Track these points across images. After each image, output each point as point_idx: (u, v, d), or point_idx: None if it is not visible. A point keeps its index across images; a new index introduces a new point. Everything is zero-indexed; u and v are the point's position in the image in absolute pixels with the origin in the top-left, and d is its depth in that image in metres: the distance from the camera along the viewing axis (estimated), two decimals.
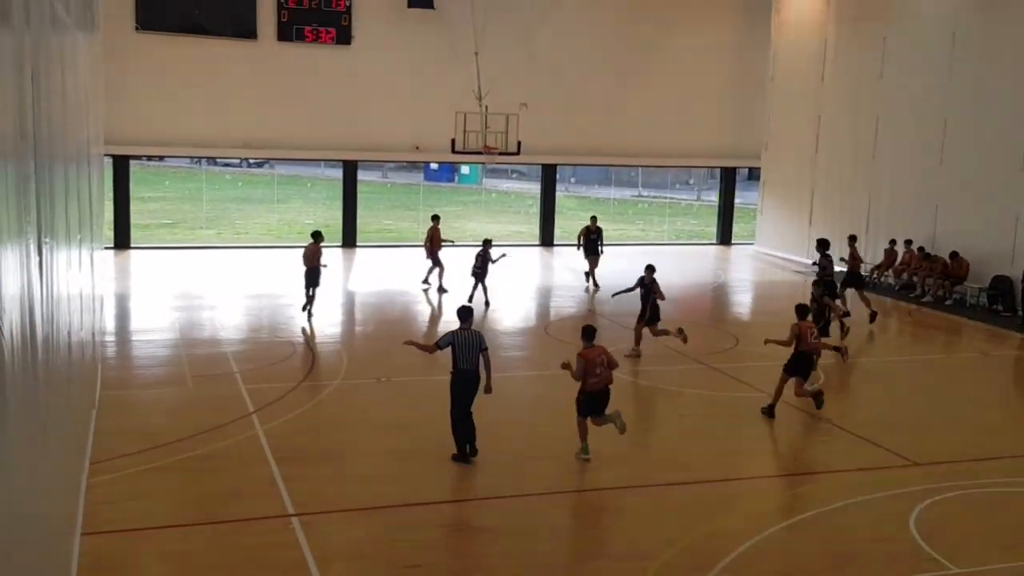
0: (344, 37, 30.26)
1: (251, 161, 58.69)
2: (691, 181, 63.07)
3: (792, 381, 14.33)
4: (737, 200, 37.74)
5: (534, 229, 36.23)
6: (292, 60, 30.00)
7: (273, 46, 29.84)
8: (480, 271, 22.07)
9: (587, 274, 25.10)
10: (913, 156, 26.96)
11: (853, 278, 22.27)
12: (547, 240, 33.93)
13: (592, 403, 12.17)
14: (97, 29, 18.15)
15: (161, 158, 55.18)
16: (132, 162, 30.84)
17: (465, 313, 12.22)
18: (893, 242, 26.60)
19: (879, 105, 28.13)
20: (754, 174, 45.19)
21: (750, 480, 12.12)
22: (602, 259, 25.31)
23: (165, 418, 13.55)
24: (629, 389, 15.79)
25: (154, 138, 29.35)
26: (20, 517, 5.33)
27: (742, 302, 25.92)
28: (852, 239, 23.07)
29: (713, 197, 43.95)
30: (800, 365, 14.28)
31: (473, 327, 12.30)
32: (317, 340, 18.80)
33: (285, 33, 29.84)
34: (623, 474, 11.86)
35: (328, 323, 20.79)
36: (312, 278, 20.56)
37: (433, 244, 23.95)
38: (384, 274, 26.89)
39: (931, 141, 26.20)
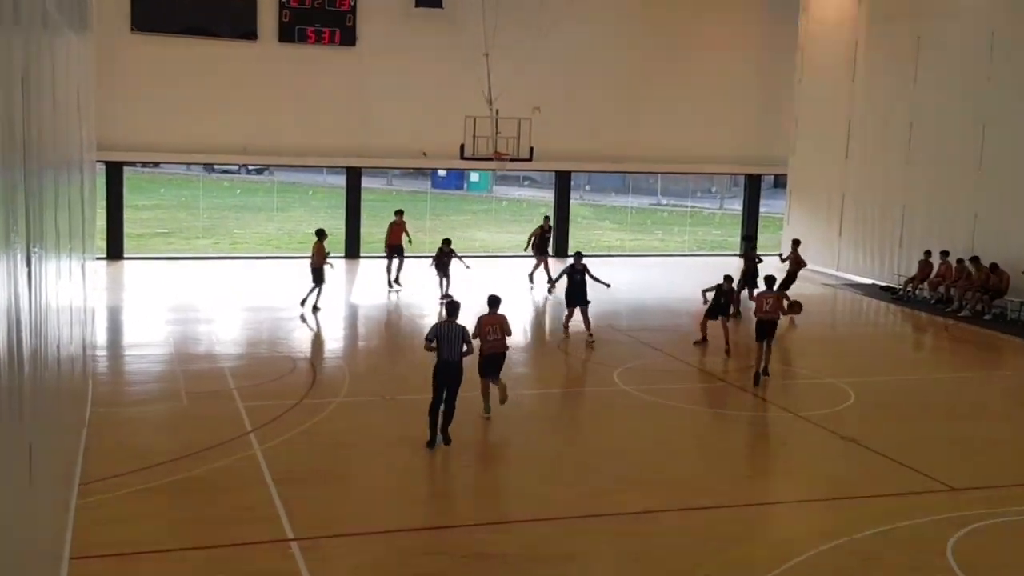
0: (348, 38, 30.38)
1: (250, 168, 58.78)
2: (713, 189, 62.98)
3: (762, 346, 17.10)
4: (762, 209, 37.66)
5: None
6: (294, 62, 30.13)
7: (274, 47, 29.98)
8: (439, 266, 24.37)
9: (531, 275, 26.54)
10: (950, 162, 26.88)
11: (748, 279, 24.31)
12: (560, 251, 33.88)
13: (486, 365, 14.25)
14: (90, 29, 18.30)
15: (156, 164, 55.36)
16: (126, 168, 30.98)
17: (452, 308, 13.53)
18: (928, 253, 26.51)
19: (913, 108, 28.08)
20: (780, 181, 45.03)
21: (776, 505, 12.08)
22: (617, 270, 25.30)
23: (159, 437, 13.58)
24: (648, 409, 15.77)
25: (149, 143, 29.48)
26: (5, 540, 5.34)
27: None
28: (796, 243, 25.79)
29: (737, 206, 43.84)
30: (761, 331, 17.12)
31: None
32: (318, 356, 18.81)
33: (287, 34, 29.98)
34: (642, 498, 11.81)
35: (330, 338, 20.82)
36: (316, 277, 22.12)
37: (392, 237, 26.02)
38: (391, 292, 26.91)
39: (969, 145, 26.12)
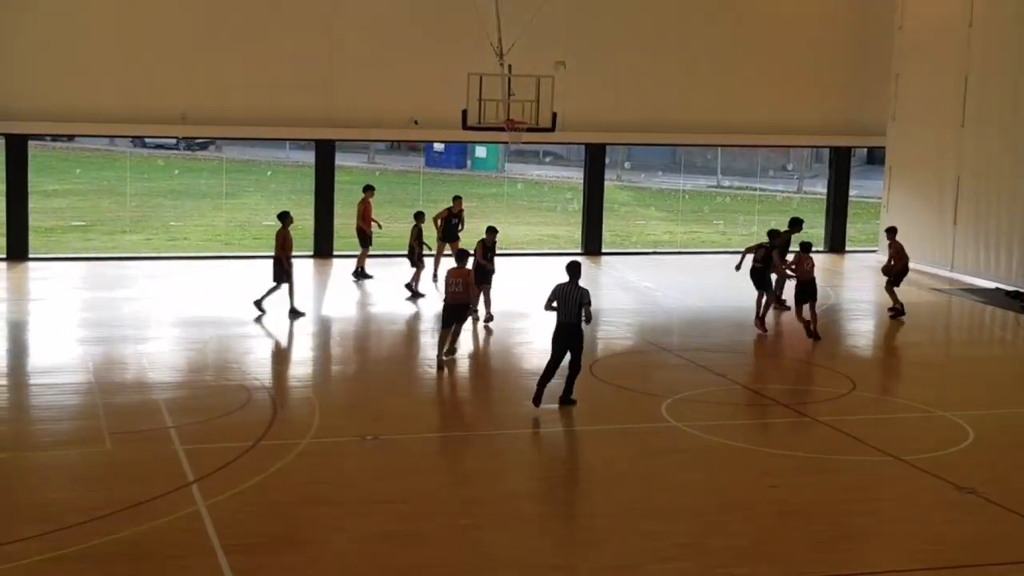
0: None
1: (191, 142, 59.04)
2: (789, 166, 62.90)
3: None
4: (853, 192, 37.55)
5: (575, 232, 36.21)
6: (247, 5, 30.22)
7: None
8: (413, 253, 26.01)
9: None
10: None
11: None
12: (593, 247, 33.91)
13: (447, 313, 19.76)
14: None
15: (70, 138, 55.63)
16: (31, 143, 31.10)
17: (573, 269, 16.99)
18: None
19: None
20: (876, 156, 44.98)
21: None
22: (665, 272, 25.30)
23: (74, 490, 13.61)
24: (705, 451, 15.75)
25: (60, 111, 29.58)
26: None
27: (860, 331, 25.81)
28: (893, 231, 25.96)
29: (820, 188, 43.74)
30: (803, 293, 21.99)
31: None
32: (280, 384, 18.86)
33: None
34: (695, 569, 11.82)
35: (295, 359, 20.87)
36: (278, 272, 23.09)
37: (364, 220, 27.91)
38: (370, 294, 26.97)
39: None
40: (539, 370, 17.41)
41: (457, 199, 28.55)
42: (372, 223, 28.31)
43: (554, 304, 17.02)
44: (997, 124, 29.73)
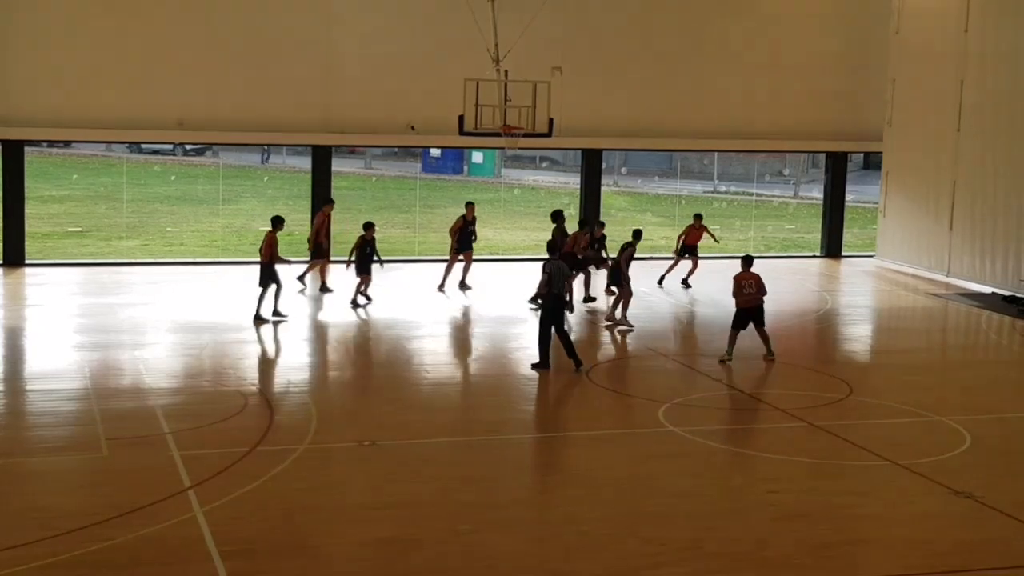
0: None
1: (188, 147, 59.05)
2: (786, 172, 62.92)
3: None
4: (850, 197, 37.54)
5: None
6: (244, 11, 30.22)
7: None
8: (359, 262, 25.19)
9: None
10: None
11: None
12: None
13: (741, 316, 20.59)
14: None
15: (67, 144, 55.59)
16: (28, 149, 31.09)
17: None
18: None
19: None
20: (873, 161, 45.00)
21: None
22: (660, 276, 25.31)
23: (70, 496, 13.61)
24: (702, 456, 15.76)
25: (57, 117, 29.56)
26: None
27: (857, 337, 25.81)
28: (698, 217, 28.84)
29: (816, 193, 43.73)
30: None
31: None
32: (276, 389, 18.85)
33: None
34: (692, 572, 11.82)
35: (291, 365, 20.85)
36: (265, 277, 23.09)
37: (320, 233, 26.98)
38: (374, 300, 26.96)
39: None
40: (536, 374, 17.35)
41: (470, 205, 28.49)
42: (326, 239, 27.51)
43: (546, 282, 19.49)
44: (993, 129, 29.75)
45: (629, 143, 36.37)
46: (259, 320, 22.99)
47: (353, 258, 25.38)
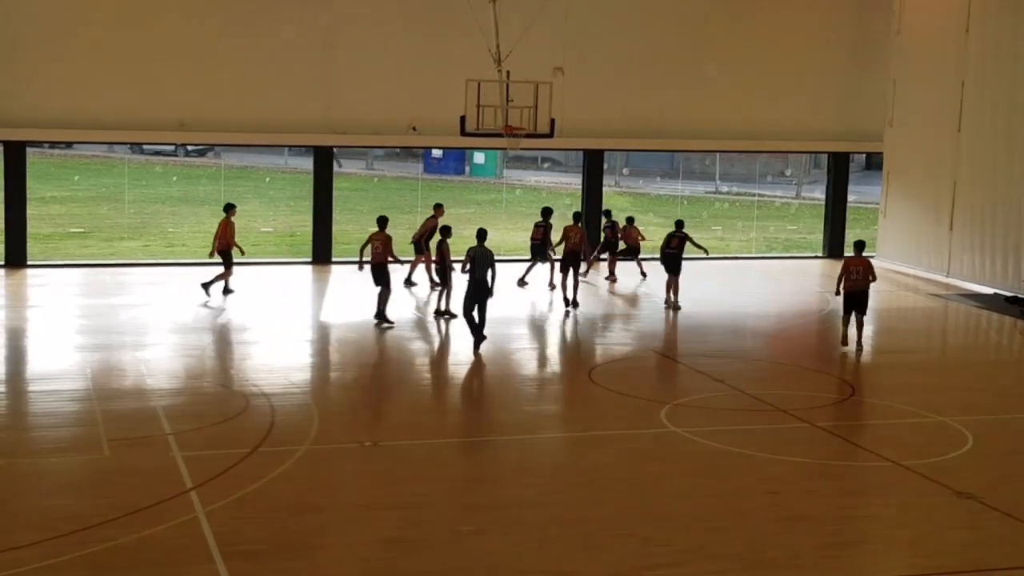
0: None
1: (189, 148, 59.05)
2: (788, 172, 62.92)
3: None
4: (851, 197, 37.49)
5: None
6: (246, 12, 30.22)
7: None
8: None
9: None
10: None
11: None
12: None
13: (850, 301, 21.53)
14: None
15: (68, 145, 55.56)
16: (29, 150, 31.08)
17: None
18: None
19: None
20: (874, 162, 44.97)
21: None
22: (663, 278, 25.27)
23: (72, 497, 13.60)
24: (705, 457, 15.75)
25: (58, 118, 29.55)
26: None
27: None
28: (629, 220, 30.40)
29: (818, 194, 43.71)
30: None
31: None
32: (278, 390, 18.84)
33: None
34: (694, 573, 11.80)
35: (293, 366, 20.85)
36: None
37: (226, 240, 26.16)
38: (369, 300, 26.93)
39: None
40: (538, 375, 17.35)
41: (438, 206, 28.71)
42: (236, 246, 26.50)
43: (467, 267, 20.48)
44: (994, 129, 29.73)
45: (631, 143, 36.38)
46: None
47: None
